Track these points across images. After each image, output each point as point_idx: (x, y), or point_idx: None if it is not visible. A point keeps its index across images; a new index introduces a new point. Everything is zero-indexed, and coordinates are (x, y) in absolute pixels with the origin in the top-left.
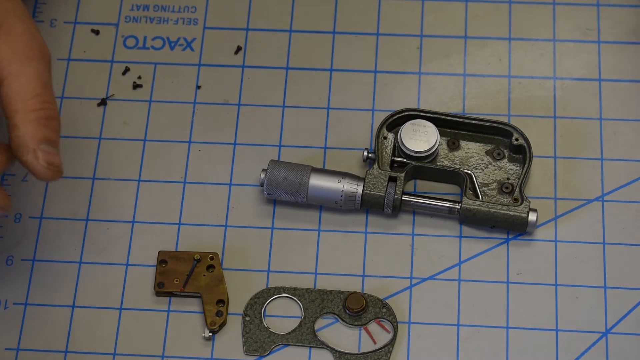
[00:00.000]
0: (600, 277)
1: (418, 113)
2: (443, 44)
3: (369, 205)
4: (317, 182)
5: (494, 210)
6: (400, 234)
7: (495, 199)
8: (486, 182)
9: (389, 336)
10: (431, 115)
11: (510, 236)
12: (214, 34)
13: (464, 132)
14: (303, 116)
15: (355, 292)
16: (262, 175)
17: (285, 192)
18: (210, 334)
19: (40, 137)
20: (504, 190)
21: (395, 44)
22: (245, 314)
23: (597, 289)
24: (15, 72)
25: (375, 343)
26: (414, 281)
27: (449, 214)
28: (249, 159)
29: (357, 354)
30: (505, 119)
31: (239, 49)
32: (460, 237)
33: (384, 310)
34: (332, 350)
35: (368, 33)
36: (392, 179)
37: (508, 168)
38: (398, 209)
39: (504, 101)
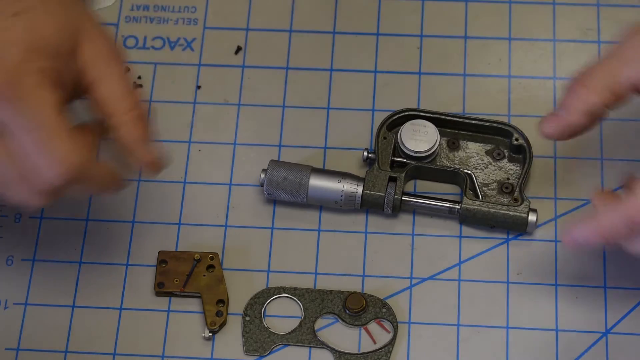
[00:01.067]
0: (600, 277)
1: (418, 113)
2: (443, 44)
3: (369, 205)
4: (317, 182)
5: (494, 210)
6: (400, 234)
7: (495, 199)
8: (486, 182)
9: (389, 336)
10: (431, 115)
11: (510, 236)
12: (214, 34)
13: (464, 132)
14: (303, 116)
15: (355, 292)
16: (262, 175)
17: (285, 192)
18: (210, 334)
19: (139, 137)
20: (504, 190)
21: (395, 44)
22: (245, 314)
23: (597, 289)
24: (102, 74)
25: (375, 343)
26: (414, 281)
27: (449, 214)
28: (249, 159)
29: (357, 354)
30: (505, 119)
31: (239, 49)
32: (460, 237)
33: (384, 310)
34: (332, 350)
35: (368, 33)
36: (392, 179)
37: (508, 168)
38: (398, 209)
39: (504, 101)
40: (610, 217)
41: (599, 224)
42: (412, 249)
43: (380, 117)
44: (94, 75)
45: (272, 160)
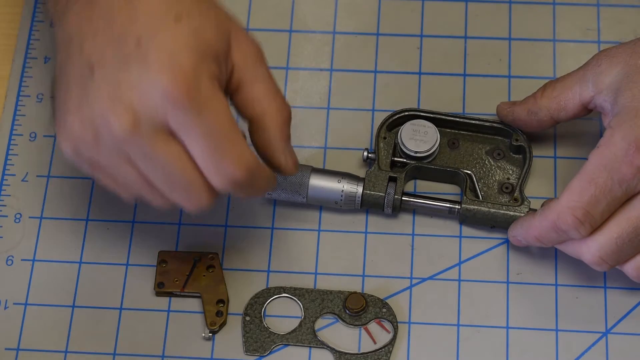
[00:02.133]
0: (600, 277)
1: (418, 113)
2: (443, 44)
3: (369, 205)
4: (317, 182)
5: (494, 210)
6: (400, 234)
7: (495, 199)
8: (486, 182)
9: (389, 336)
10: (431, 115)
11: None
12: None
13: (464, 132)
14: (303, 116)
15: (355, 292)
16: None
17: (285, 192)
18: (210, 334)
19: (286, 137)
20: (504, 190)
21: (395, 44)
22: (245, 314)
23: (597, 289)
24: (251, 76)
25: (375, 343)
26: (414, 281)
27: (449, 214)
28: None
29: (357, 354)
30: None
31: None
32: (460, 237)
33: (384, 310)
34: (332, 350)
35: (368, 33)
36: (392, 179)
37: (508, 168)
38: (398, 209)
39: (504, 101)
40: (540, 221)
41: (530, 227)
42: (412, 249)
43: (380, 117)
44: (245, 76)
45: None
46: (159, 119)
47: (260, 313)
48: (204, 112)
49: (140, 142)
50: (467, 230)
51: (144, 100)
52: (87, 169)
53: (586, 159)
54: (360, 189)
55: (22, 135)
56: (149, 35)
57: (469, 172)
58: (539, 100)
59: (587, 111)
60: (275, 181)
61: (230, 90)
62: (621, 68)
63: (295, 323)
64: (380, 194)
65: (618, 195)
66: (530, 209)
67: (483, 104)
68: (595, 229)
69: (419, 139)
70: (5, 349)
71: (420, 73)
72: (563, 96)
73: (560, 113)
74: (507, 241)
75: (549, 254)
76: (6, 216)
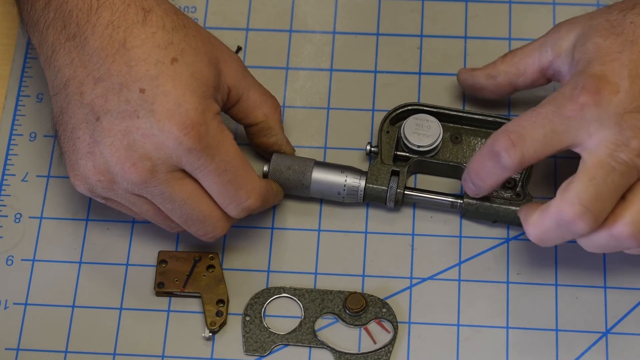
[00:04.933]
0: (600, 277)
1: (421, 107)
2: (443, 44)
3: (371, 198)
4: (320, 175)
5: (496, 205)
6: (401, 234)
7: (497, 194)
8: None
9: (389, 336)
10: (434, 110)
11: (510, 236)
12: (214, 34)
13: (467, 127)
14: (303, 116)
15: (355, 292)
16: (265, 168)
17: (288, 184)
18: (210, 334)
19: (282, 128)
20: (507, 185)
21: (395, 44)
22: (245, 314)
23: (597, 289)
24: (245, 87)
25: (375, 343)
26: (414, 281)
27: (451, 208)
28: (250, 159)
29: (357, 354)
30: None
31: (239, 49)
32: (460, 237)
33: (384, 310)
34: (332, 350)
35: (368, 33)
36: (395, 173)
37: None
38: (400, 202)
39: (504, 101)
40: (479, 152)
41: (470, 162)
42: (412, 248)
43: (380, 117)
44: (240, 91)
45: (276, 154)
46: (173, 163)
47: (260, 313)
48: (216, 154)
49: (157, 184)
50: (467, 230)
51: (159, 149)
52: (101, 201)
53: None
54: (362, 183)
55: (22, 135)
56: (151, 83)
57: None
58: (498, 65)
59: (546, 80)
60: (282, 192)
61: (228, 105)
62: (578, 30)
63: (295, 323)
64: (383, 187)
65: (558, 128)
66: None
67: (483, 104)
68: (527, 157)
69: (422, 133)
70: (5, 349)
71: (420, 73)
72: (522, 62)
73: (518, 79)
74: (507, 241)
75: (549, 254)
76: (6, 216)
